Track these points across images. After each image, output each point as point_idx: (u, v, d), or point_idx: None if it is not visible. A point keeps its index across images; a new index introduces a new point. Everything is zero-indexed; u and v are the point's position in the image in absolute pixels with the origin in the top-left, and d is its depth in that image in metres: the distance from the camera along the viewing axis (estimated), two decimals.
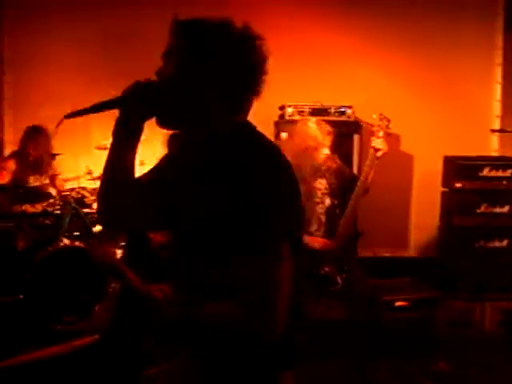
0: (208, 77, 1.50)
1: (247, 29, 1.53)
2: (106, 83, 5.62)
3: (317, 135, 3.72)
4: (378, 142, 3.63)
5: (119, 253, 3.92)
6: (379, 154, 3.62)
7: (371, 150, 3.66)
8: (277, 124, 4.96)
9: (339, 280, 3.64)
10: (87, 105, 1.59)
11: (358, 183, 3.67)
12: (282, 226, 1.49)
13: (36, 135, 4.86)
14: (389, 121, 3.69)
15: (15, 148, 5.07)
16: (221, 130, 1.51)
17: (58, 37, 5.53)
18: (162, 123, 1.58)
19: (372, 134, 3.70)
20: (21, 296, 3.86)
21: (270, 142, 1.61)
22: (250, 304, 1.42)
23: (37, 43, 5.51)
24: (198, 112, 1.54)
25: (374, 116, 3.72)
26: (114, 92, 1.60)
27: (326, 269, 3.64)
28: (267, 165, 1.51)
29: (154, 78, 1.56)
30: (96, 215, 4.63)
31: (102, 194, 1.57)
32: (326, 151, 3.74)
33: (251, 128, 1.59)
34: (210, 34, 1.51)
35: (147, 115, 1.55)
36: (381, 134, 3.66)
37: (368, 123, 3.81)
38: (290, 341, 1.62)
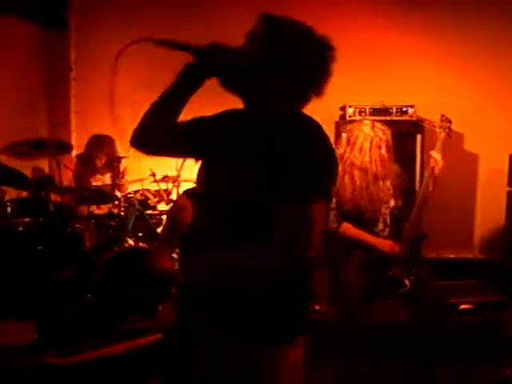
0: (281, 67, 1.68)
1: (325, 38, 1.75)
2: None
3: (372, 136, 3.70)
4: (433, 159, 3.63)
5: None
6: (437, 170, 3.64)
7: (429, 166, 3.67)
8: (337, 124, 4.95)
9: (407, 282, 3.61)
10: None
11: (422, 189, 3.68)
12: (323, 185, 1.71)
13: (100, 146, 5.01)
14: (450, 122, 3.68)
15: (81, 149, 5.24)
16: (283, 111, 1.74)
17: (126, 36, 5.60)
18: (225, 85, 1.75)
19: (435, 135, 3.69)
20: (88, 295, 3.96)
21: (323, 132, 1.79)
22: (288, 236, 1.64)
23: (103, 43, 5.63)
24: (263, 92, 1.72)
25: (436, 117, 3.72)
26: None
27: (395, 271, 3.62)
28: (320, 143, 1.73)
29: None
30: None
31: (143, 121, 1.78)
32: (384, 152, 3.72)
33: (306, 117, 1.79)
34: (291, 34, 1.69)
35: (214, 74, 1.73)
36: (443, 135, 3.65)
37: (430, 122, 3.79)
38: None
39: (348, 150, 3.76)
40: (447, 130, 3.69)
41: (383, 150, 3.69)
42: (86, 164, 5.05)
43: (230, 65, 1.69)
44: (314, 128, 1.75)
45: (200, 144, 1.82)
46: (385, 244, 3.68)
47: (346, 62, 5.44)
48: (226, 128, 1.79)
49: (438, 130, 3.70)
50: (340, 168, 3.83)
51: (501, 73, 5.30)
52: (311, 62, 1.72)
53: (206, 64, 1.70)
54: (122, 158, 4.91)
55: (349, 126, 3.88)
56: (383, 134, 3.71)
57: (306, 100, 1.78)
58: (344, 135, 4.38)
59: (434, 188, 3.71)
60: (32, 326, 2.94)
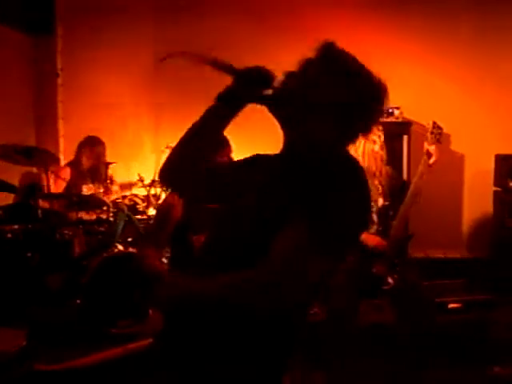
0: (329, 100, 1.51)
1: (381, 85, 1.59)
2: (157, 93, 5.79)
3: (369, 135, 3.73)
4: (431, 148, 3.64)
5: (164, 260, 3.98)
6: (431, 160, 3.64)
7: (424, 157, 3.67)
8: None
9: (390, 280, 3.63)
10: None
11: (411, 188, 3.67)
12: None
13: (90, 146, 4.99)
14: (441, 129, 3.70)
15: (70, 156, 5.23)
16: (324, 152, 1.54)
17: (112, 43, 5.66)
18: (273, 112, 1.56)
19: (422, 136, 3.72)
20: (78, 301, 3.96)
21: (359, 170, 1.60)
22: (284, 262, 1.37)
23: (90, 49, 5.63)
24: (308, 128, 1.53)
25: (427, 123, 3.74)
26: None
27: (379, 268, 3.64)
28: (357, 194, 1.50)
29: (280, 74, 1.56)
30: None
31: (176, 149, 1.64)
32: (377, 150, 3.75)
33: (350, 158, 1.60)
34: (350, 72, 1.57)
35: (257, 101, 1.55)
36: (434, 140, 3.68)
37: (420, 126, 3.81)
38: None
39: None
40: (438, 137, 3.72)
41: (377, 147, 3.73)
42: (77, 168, 5.04)
43: (271, 95, 1.52)
44: (350, 172, 1.54)
45: (232, 190, 1.64)
46: (371, 239, 3.71)
47: None
48: (256, 171, 1.62)
49: (428, 135, 3.71)
50: None
51: (486, 73, 5.34)
52: (363, 103, 1.54)
53: (242, 90, 1.55)
54: (109, 163, 4.91)
55: None
56: (377, 130, 3.76)
57: (350, 139, 1.59)
58: None
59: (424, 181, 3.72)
60: (21, 333, 2.94)
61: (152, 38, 5.61)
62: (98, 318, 3.95)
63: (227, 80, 1.56)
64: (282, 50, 5.34)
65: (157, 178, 4.82)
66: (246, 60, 1.62)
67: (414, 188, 3.69)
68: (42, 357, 3.06)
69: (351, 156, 1.61)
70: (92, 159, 4.96)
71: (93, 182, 4.98)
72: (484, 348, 3.74)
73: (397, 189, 3.83)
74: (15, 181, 4.68)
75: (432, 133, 3.71)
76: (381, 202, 3.82)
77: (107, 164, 4.91)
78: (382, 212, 3.82)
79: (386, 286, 3.64)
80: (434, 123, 3.74)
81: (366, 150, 3.72)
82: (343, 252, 1.52)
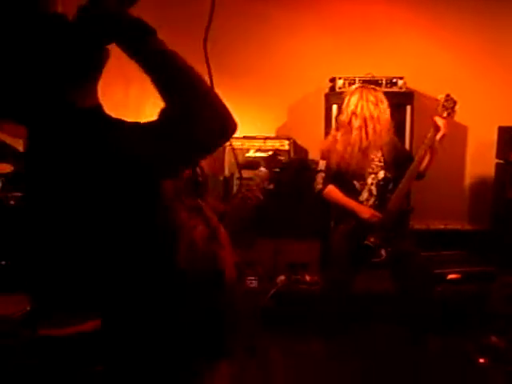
0: None
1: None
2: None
3: (363, 106, 3.72)
4: (440, 121, 3.60)
5: None
6: (439, 136, 3.60)
7: (431, 130, 3.64)
8: (327, 96, 4.95)
9: (383, 252, 3.66)
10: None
11: (413, 163, 3.67)
12: None
13: None
14: (455, 103, 3.64)
15: None
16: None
17: None
18: None
19: (426, 106, 3.68)
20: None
21: None
22: None
23: None
24: None
25: (440, 96, 3.68)
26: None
27: (372, 240, 3.66)
28: None
29: None
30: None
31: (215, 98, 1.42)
32: (383, 120, 3.74)
33: None
34: None
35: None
36: (445, 114, 3.63)
37: (433, 100, 3.76)
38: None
39: (345, 112, 3.80)
40: (450, 111, 3.65)
41: (381, 116, 3.72)
42: None
43: None
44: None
45: None
46: (364, 210, 3.72)
47: (335, 34, 5.48)
48: None
49: (440, 109, 3.65)
50: (336, 127, 3.89)
51: (489, 45, 5.29)
52: None
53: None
54: None
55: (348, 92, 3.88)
56: (377, 102, 3.75)
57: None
58: (335, 106, 4.41)
59: (432, 158, 3.70)
60: (25, 298, 2.96)
61: (157, 4, 5.53)
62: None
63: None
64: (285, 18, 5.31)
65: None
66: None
67: (416, 163, 3.68)
68: (47, 322, 3.09)
69: None
70: None
71: None
72: (481, 318, 3.78)
73: (400, 161, 3.83)
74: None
75: (444, 106, 3.64)
76: (381, 174, 3.82)
77: None
78: (381, 184, 3.82)
79: (378, 258, 3.67)
80: (448, 96, 3.66)
81: (376, 121, 3.72)
82: None
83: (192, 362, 1.58)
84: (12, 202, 4.02)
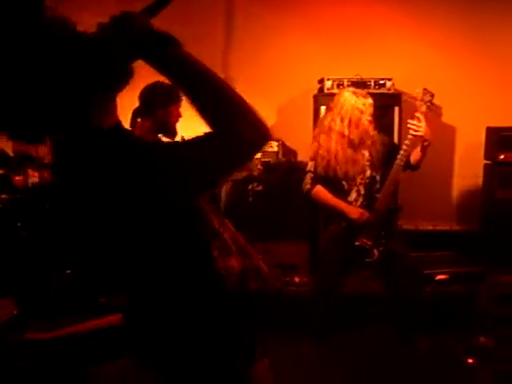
0: None
1: None
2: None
3: (356, 104, 3.73)
4: (415, 126, 3.59)
5: None
6: (416, 132, 3.60)
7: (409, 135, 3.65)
8: (316, 97, 4.95)
9: (375, 252, 3.66)
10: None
11: (397, 158, 3.66)
12: None
13: None
14: (432, 95, 3.65)
15: None
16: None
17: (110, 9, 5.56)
18: None
19: (414, 107, 3.69)
20: (68, 271, 3.96)
21: None
22: None
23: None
24: None
25: (418, 90, 3.69)
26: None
27: (363, 240, 3.66)
28: None
29: None
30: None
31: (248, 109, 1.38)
32: (369, 120, 3.74)
33: None
34: None
35: None
36: (423, 108, 3.64)
37: (411, 96, 3.77)
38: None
39: (329, 115, 3.80)
40: (428, 104, 3.65)
41: (365, 117, 3.72)
42: None
43: None
44: None
45: None
46: (353, 211, 3.72)
47: (324, 35, 5.48)
48: None
49: (418, 103, 3.65)
50: (318, 132, 3.88)
51: (477, 45, 5.32)
52: None
53: None
54: None
55: (337, 97, 3.88)
56: (365, 100, 3.75)
57: None
58: (323, 107, 4.41)
59: (422, 156, 3.70)
60: (11, 302, 2.94)
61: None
62: (90, 287, 3.96)
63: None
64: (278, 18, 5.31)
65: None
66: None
67: (400, 158, 3.68)
68: (33, 325, 3.08)
69: None
70: None
71: None
72: (470, 318, 3.79)
73: (391, 156, 3.82)
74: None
75: (422, 99, 3.65)
76: (368, 173, 3.82)
77: None
78: (369, 183, 3.82)
79: (371, 258, 3.67)
80: (425, 89, 3.66)
81: (353, 120, 3.72)
82: None
83: (236, 364, 1.58)
84: None
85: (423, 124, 3.57)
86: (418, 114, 3.61)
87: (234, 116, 1.34)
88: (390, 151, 3.82)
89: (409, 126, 3.61)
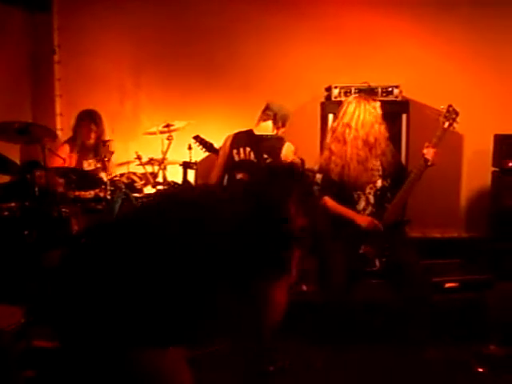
0: None
1: None
2: (155, 69, 5.74)
3: (366, 108, 3.73)
4: (429, 154, 3.61)
5: None
6: (430, 163, 3.62)
7: (421, 161, 3.64)
8: (323, 105, 4.95)
9: (377, 263, 3.65)
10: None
11: (411, 175, 3.68)
12: None
13: (88, 120, 4.97)
14: (457, 114, 3.63)
15: (66, 134, 5.21)
16: None
17: (109, 21, 5.61)
18: None
19: (422, 115, 3.68)
20: None
21: None
22: None
23: (87, 26, 5.59)
24: None
25: (442, 106, 3.67)
26: None
27: (367, 250, 3.65)
28: None
29: None
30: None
31: None
32: (379, 122, 3.74)
33: None
34: None
35: None
36: (446, 125, 3.63)
37: (435, 111, 3.75)
38: None
39: (339, 122, 3.80)
40: (451, 121, 3.65)
41: (376, 126, 3.72)
42: (75, 144, 5.02)
43: None
44: None
45: None
46: (362, 219, 3.72)
47: (332, 42, 5.48)
48: None
49: (441, 119, 3.64)
50: (330, 141, 3.86)
51: (486, 53, 5.31)
52: None
53: None
54: (107, 141, 4.89)
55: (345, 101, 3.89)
56: (374, 103, 3.76)
57: None
58: (331, 115, 4.41)
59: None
60: (19, 310, 2.94)
61: (151, 15, 5.54)
62: None
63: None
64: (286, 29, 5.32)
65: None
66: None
67: (408, 185, 3.69)
68: (41, 334, 3.07)
69: None
70: (90, 133, 4.96)
71: (89, 159, 4.99)
72: (480, 326, 3.75)
73: (397, 171, 3.83)
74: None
75: (445, 117, 3.63)
76: (379, 183, 3.81)
77: (104, 141, 4.90)
78: (379, 193, 3.81)
79: (372, 267, 3.66)
80: (450, 106, 3.64)
81: (365, 123, 3.71)
82: None
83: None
84: (6, 213, 4.00)
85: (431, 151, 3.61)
86: (429, 149, 3.61)
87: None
88: (397, 166, 3.85)
89: (425, 156, 3.61)
